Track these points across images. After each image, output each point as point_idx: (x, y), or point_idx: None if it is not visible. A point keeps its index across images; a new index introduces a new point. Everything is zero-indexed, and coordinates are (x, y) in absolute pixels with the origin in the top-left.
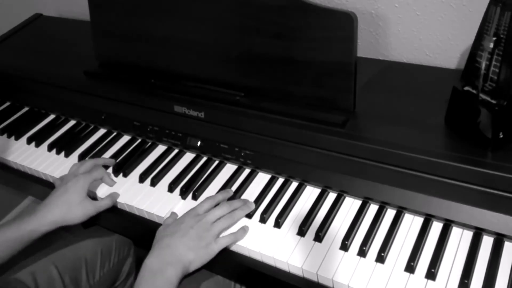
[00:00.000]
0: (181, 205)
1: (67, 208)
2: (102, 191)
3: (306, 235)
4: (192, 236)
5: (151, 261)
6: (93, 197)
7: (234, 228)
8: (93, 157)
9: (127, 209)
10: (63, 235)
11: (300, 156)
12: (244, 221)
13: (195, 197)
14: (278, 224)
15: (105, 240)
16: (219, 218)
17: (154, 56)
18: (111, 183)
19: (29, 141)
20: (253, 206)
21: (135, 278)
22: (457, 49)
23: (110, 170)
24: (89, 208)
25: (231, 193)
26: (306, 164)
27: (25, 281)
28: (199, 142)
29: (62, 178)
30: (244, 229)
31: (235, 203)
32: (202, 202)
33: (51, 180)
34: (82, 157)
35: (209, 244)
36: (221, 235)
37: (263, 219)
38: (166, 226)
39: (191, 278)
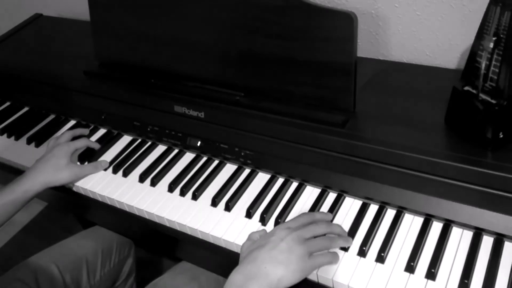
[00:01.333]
0: (182, 205)
1: (55, 170)
2: (98, 187)
3: None
4: (282, 249)
5: (235, 277)
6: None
7: None
8: (93, 158)
9: (127, 209)
10: (63, 235)
11: (300, 156)
12: (245, 221)
13: (195, 197)
14: (278, 224)
15: (106, 240)
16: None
17: (154, 56)
18: (96, 146)
19: (29, 141)
20: (351, 241)
21: (135, 278)
22: (457, 49)
23: (110, 170)
24: (74, 169)
25: (331, 217)
26: (306, 164)
27: (26, 281)
28: (199, 142)
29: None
30: (336, 256)
31: (335, 226)
32: (297, 216)
33: None
34: (82, 157)
35: (303, 261)
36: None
37: (263, 219)
38: (253, 241)
39: (191, 278)
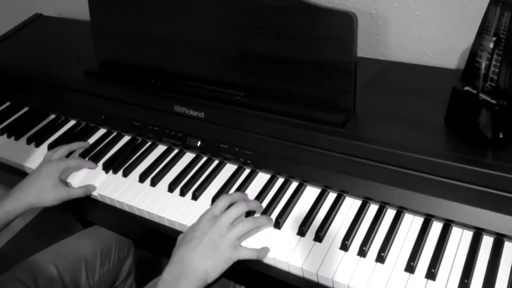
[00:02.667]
0: (182, 205)
1: (40, 192)
2: (98, 188)
3: (306, 235)
4: (206, 244)
5: (167, 276)
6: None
7: (257, 242)
8: (93, 157)
9: (127, 209)
10: (63, 235)
11: (300, 156)
12: None
13: (195, 197)
14: (278, 224)
15: (105, 240)
16: (236, 219)
17: (154, 56)
18: (93, 166)
19: (29, 141)
20: (272, 221)
21: (134, 278)
22: (457, 49)
23: (110, 169)
24: (62, 193)
25: (247, 196)
26: (306, 164)
27: (25, 281)
28: (199, 142)
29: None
30: (267, 250)
31: (252, 203)
32: (217, 200)
33: None
34: (82, 157)
35: (227, 251)
36: (244, 244)
37: None
38: (184, 234)
39: None
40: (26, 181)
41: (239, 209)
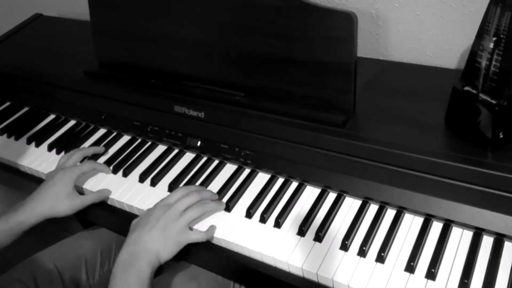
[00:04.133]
0: None
1: (54, 201)
2: (98, 187)
3: (306, 235)
4: (159, 228)
5: (123, 256)
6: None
7: (207, 224)
8: (93, 157)
9: (127, 209)
10: (63, 235)
11: (300, 156)
12: (244, 221)
13: None
14: (278, 224)
15: (105, 239)
16: (189, 207)
17: (154, 56)
18: (108, 171)
19: (29, 141)
20: (223, 205)
21: None
22: (457, 49)
23: (110, 169)
24: (76, 202)
25: (204, 188)
26: (306, 164)
27: (24, 281)
28: (199, 142)
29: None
30: (213, 228)
31: (204, 192)
32: (174, 191)
33: None
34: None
35: (178, 235)
36: (195, 227)
37: (263, 219)
38: (139, 218)
39: (191, 278)
40: (40, 190)
41: (190, 199)
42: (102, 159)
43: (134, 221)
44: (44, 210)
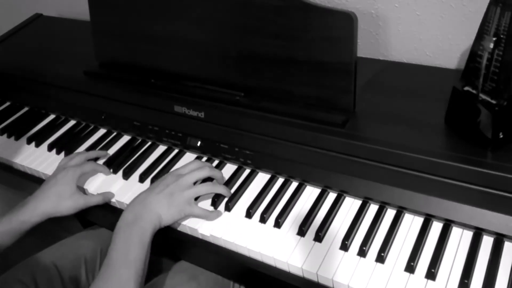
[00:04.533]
0: None
1: (57, 200)
2: (99, 187)
3: (306, 235)
4: (166, 193)
5: (127, 214)
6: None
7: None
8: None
9: None
10: (63, 235)
11: (300, 156)
12: (245, 221)
13: (195, 198)
14: (278, 224)
15: (105, 239)
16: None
17: (154, 56)
18: (107, 172)
19: (29, 141)
20: (230, 193)
21: None
22: (457, 49)
23: (110, 169)
24: (79, 201)
25: (213, 168)
26: (306, 164)
27: (24, 281)
28: (199, 142)
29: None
30: (218, 213)
31: (217, 172)
32: (188, 163)
33: None
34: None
35: (182, 204)
36: (199, 204)
37: (263, 219)
38: (156, 182)
39: (190, 278)
40: (43, 189)
41: (202, 173)
42: (102, 160)
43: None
44: (47, 209)
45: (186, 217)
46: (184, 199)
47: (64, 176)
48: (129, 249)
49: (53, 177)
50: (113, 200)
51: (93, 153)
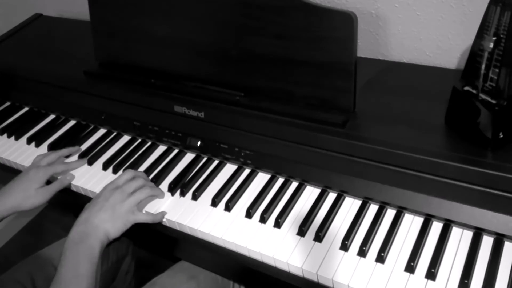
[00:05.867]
0: (182, 205)
1: (24, 196)
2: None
3: (306, 235)
4: (107, 208)
5: (73, 234)
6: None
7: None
8: (94, 157)
9: None
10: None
11: (300, 156)
12: (245, 221)
13: (195, 197)
14: (278, 224)
15: None
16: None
17: (154, 56)
18: (80, 164)
19: (29, 141)
20: (164, 194)
21: (133, 277)
22: (457, 49)
23: (110, 170)
24: (44, 194)
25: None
26: (306, 164)
27: (22, 281)
28: (199, 142)
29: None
30: (162, 214)
31: (149, 180)
32: (122, 173)
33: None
34: (82, 157)
35: (124, 216)
36: (144, 210)
37: (263, 219)
38: (91, 201)
39: (190, 277)
40: (12, 183)
41: (137, 182)
42: (102, 159)
43: (87, 204)
44: (14, 204)
45: (153, 199)
46: (126, 209)
47: (34, 174)
48: (78, 266)
49: (24, 174)
50: None
51: (65, 151)
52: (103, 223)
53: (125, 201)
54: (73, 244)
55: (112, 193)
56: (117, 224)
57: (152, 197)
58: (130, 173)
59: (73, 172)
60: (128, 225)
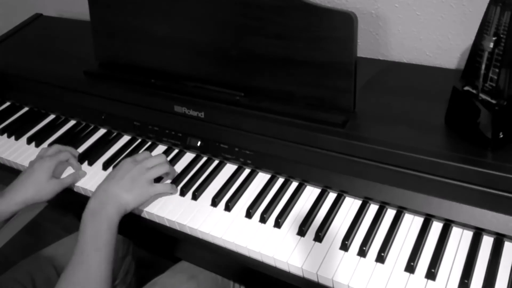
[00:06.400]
0: (182, 205)
1: (36, 188)
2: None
3: (306, 235)
4: (128, 179)
5: (92, 204)
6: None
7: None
8: (94, 157)
9: None
10: (62, 235)
11: (300, 156)
12: (245, 221)
13: (195, 197)
14: (278, 224)
15: None
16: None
17: (154, 56)
18: (77, 166)
19: (29, 141)
20: (176, 172)
21: (134, 276)
22: (457, 49)
23: (110, 170)
24: (55, 185)
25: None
26: (306, 164)
27: (22, 281)
28: (199, 142)
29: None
30: (176, 189)
31: (168, 164)
32: (140, 152)
33: None
34: (82, 157)
35: (144, 187)
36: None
37: (263, 219)
38: (112, 171)
39: (190, 277)
40: (20, 179)
41: (158, 159)
42: (102, 160)
43: (106, 177)
44: (26, 197)
45: (153, 199)
46: (145, 181)
47: (40, 165)
48: (97, 235)
49: (30, 167)
50: None
51: (67, 148)
52: (123, 193)
53: (144, 174)
54: (92, 214)
55: (133, 166)
56: (136, 195)
57: (167, 185)
58: (146, 153)
59: (72, 172)
60: (147, 197)
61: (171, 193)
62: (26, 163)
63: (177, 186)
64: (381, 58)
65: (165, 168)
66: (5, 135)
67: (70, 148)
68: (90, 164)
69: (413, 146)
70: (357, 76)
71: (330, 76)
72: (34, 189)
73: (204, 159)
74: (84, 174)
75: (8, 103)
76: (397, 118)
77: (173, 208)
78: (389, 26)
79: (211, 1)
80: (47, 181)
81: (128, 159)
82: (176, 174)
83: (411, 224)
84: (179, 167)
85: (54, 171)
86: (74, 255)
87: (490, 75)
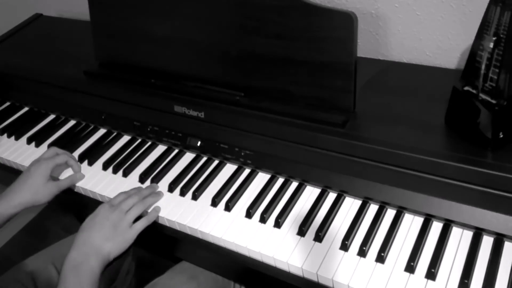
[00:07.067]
0: (182, 205)
1: (32, 191)
2: (99, 187)
3: (306, 235)
4: (108, 227)
5: (73, 256)
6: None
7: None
8: (93, 157)
9: None
10: (63, 235)
11: (300, 156)
12: (245, 221)
13: (195, 197)
14: (278, 224)
15: None
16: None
17: (154, 56)
18: (77, 168)
19: (29, 141)
20: (162, 195)
21: (134, 277)
22: (457, 49)
23: (110, 170)
24: (52, 188)
25: (141, 189)
26: (306, 164)
27: (23, 282)
28: (199, 142)
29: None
30: (155, 210)
31: (144, 191)
32: (116, 195)
33: None
34: (82, 157)
35: (125, 232)
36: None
37: (263, 219)
38: (85, 222)
39: (190, 277)
40: (17, 182)
41: (133, 199)
42: (102, 160)
43: (84, 222)
44: (24, 200)
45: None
46: (127, 224)
47: (37, 168)
48: None
49: (27, 170)
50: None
51: (64, 152)
52: (105, 243)
53: (123, 219)
54: (74, 268)
55: (111, 212)
56: (118, 243)
57: (154, 200)
58: (123, 194)
59: (70, 175)
60: (130, 241)
61: (150, 222)
62: (26, 163)
63: (177, 186)
64: (381, 58)
65: (141, 208)
66: (5, 135)
67: (67, 153)
68: (90, 164)
69: (413, 146)
70: (357, 76)
71: (330, 76)
72: (31, 192)
73: (204, 159)
74: (82, 176)
75: (8, 103)
76: (397, 118)
77: (173, 208)
78: (389, 26)
79: (211, 1)
80: (43, 184)
81: (105, 205)
82: (158, 198)
83: (411, 224)
84: (179, 167)
85: (52, 173)
86: None
87: (490, 75)
